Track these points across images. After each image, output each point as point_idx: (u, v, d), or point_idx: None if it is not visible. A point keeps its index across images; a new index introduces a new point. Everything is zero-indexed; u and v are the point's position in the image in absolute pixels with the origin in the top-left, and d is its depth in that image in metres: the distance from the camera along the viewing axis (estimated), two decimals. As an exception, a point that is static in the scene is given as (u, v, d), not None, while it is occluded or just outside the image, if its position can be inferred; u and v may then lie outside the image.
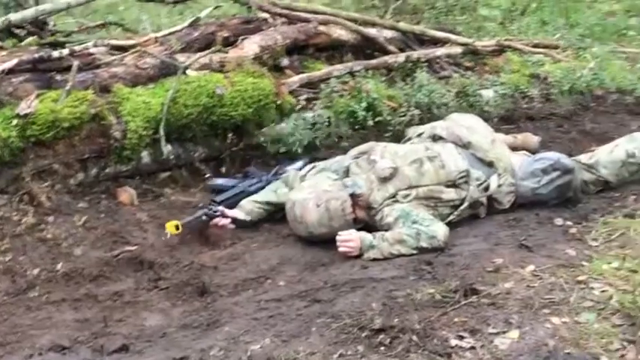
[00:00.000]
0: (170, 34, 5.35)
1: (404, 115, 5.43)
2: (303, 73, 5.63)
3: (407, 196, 4.30)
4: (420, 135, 4.78)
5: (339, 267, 4.07)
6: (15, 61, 4.41)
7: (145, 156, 4.67)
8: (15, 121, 4.16)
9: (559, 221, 4.31)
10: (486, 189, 4.47)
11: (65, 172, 4.36)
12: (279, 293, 3.83)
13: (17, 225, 4.07)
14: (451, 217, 4.36)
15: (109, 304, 3.76)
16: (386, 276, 3.84)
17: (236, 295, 3.87)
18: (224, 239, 4.40)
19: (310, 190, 4.34)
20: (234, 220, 4.47)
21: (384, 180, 4.35)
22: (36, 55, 4.52)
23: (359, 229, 4.25)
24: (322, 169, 4.59)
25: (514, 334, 3.16)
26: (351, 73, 5.70)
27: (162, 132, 4.60)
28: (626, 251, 3.82)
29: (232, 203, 4.57)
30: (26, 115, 4.17)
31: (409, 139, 4.84)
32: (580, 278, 3.57)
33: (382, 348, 3.14)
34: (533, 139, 5.29)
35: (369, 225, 4.34)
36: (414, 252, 4.05)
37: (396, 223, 4.20)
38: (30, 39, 5.44)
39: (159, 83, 4.82)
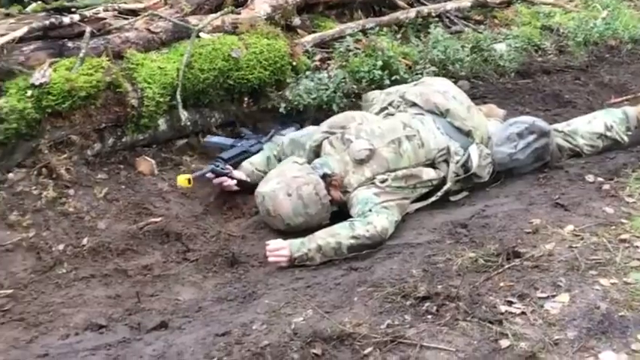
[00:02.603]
0: (179, -4, 5.18)
1: (420, 73, 5.29)
2: (314, 32, 5.50)
3: (384, 180, 4.07)
4: (391, 103, 4.53)
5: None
6: (25, 29, 4.20)
7: (162, 123, 4.53)
8: (30, 92, 3.98)
9: (590, 178, 4.23)
10: (465, 165, 4.30)
11: (83, 142, 4.21)
12: (313, 262, 3.76)
13: (37, 199, 3.90)
14: (433, 198, 4.19)
15: (139, 279, 3.67)
16: (422, 240, 3.75)
17: (267, 265, 3.79)
18: (248, 206, 4.29)
19: (278, 180, 4.05)
20: (239, 182, 4.30)
21: (361, 162, 4.09)
22: (47, 22, 4.32)
23: (334, 213, 4.07)
24: (292, 140, 4.43)
25: (564, 297, 3.09)
26: (364, 31, 5.57)
27: (179, 98, 4.46)
28: (664, 207, 3.76)
29: (235, 163, 4.43)
30: (41, 84, 3.99)
31: (383, 108, 4.54)
32: (623, 237, 3.49)
33: (429, 316, 3.05)
34: (499, 112, 5.05)
35: (343, 210, 4.09)
36: (352, 242, 3.75)
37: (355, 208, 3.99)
38: (34, 4, 5.27)
39: (172, 47, 4.67)
